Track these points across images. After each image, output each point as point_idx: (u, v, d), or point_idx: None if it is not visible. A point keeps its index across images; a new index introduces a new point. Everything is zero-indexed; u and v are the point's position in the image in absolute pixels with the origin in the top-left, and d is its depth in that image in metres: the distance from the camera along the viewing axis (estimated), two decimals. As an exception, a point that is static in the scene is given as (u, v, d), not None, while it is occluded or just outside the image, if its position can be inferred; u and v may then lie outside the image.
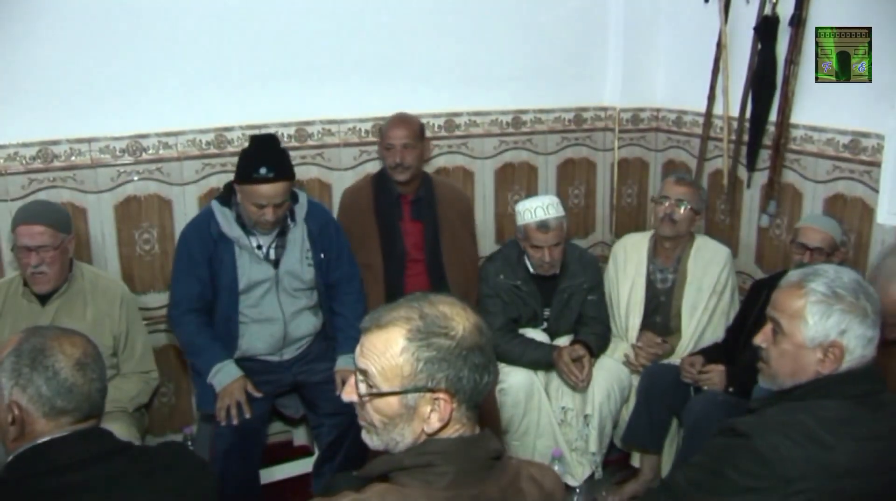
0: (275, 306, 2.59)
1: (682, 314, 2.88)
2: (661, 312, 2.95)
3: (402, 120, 2.91)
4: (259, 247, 2.55)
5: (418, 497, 1.16)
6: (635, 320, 2.95)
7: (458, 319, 1.20)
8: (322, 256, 2.64)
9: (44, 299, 2.43)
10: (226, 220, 2.51)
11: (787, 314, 1.49)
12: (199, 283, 2.53)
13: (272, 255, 2.57)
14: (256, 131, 2.94)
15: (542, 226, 2.74)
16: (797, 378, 1.48)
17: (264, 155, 2.44)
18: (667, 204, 2.84)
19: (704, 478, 1.45)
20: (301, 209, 2.61)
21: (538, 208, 2.76)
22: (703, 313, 2.86)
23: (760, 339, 1.57)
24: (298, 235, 2.60)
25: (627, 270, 3.00)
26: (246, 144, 2.58)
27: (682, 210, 2.82)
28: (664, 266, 2.95)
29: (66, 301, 2.45)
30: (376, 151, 3.12)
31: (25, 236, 2.34)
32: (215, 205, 2.54)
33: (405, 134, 2.84)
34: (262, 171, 2.40)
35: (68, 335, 1.36)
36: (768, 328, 1.55)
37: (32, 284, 2.39)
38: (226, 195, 2.56)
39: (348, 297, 2.69)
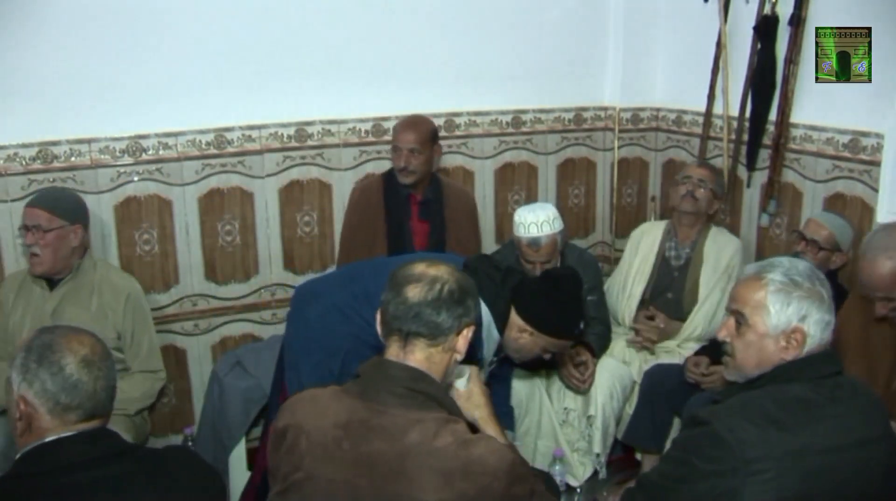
0: None
1: (700, 289, 2.92)
2: (673, 288, 2.99)
3: (412, 124, 2.86)
4: None
5: None
6: (637, 288, 3.01)
7: None
8: None
9: (51, 284, 2.49)
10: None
11: (749, 306, 1.53)
12: None
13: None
14: (256, 131, 2.95)
15: (533, 244, 2.72)
16: (762, 368, 1.52)
17: (580, 308, 2.13)
18: (689, 184, 2.92)
19: (674, 469, 1.48)
20: None
21: (532, 225, 2.71)
22: (718, 292, 2.88)
23: (724, 334, 1.59)
24: None
25: (642, 246, 3.09)
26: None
27: (703, 190, 2.91)
28: (680, 245, 3.00)
29: (72, 288, 2.50)
30: (376, 151, 3.13)
31: (26, 215, 2.44)
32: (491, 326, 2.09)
33: (413, 139, 2.81)
34: (581, 326, 2.12)
35: (77, 333, 1.38)
36: (731, 321, 1.58)
37: (29, 264, 2.47)
38: (498, 318, 2.09)
39: None
